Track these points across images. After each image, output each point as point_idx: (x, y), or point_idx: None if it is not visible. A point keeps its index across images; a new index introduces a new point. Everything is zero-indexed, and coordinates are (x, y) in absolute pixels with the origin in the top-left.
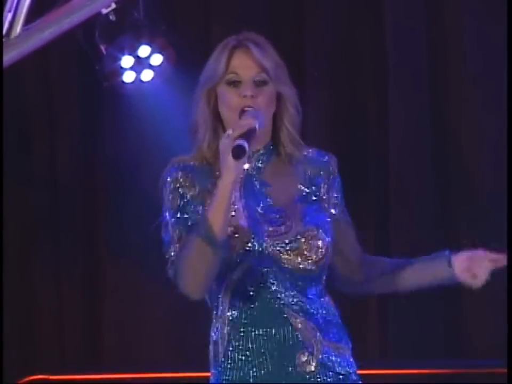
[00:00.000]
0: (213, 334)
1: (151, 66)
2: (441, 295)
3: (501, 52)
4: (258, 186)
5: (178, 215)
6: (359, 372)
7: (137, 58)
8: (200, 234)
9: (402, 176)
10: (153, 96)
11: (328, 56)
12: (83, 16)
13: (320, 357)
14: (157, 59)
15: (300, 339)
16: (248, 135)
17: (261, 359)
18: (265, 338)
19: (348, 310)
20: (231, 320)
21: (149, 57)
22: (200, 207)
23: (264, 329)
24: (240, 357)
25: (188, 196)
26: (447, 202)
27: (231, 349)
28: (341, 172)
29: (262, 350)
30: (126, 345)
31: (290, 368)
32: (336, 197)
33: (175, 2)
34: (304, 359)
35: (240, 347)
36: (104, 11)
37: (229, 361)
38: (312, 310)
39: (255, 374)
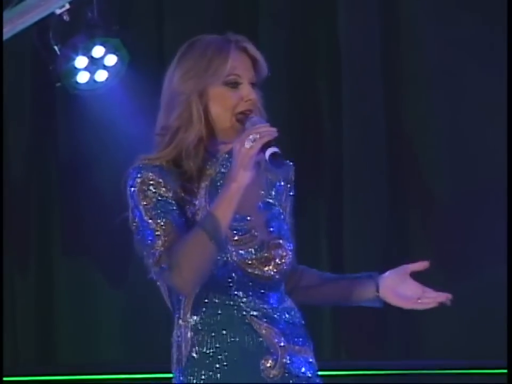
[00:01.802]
0: (176, 337)
1: (105, 67)
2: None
3: (458, 45)
4: None
5: (156, 211)
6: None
7: (91, 58)
8: (207, 231)
9: (356, 181)
10: (107, 96)
11: (283, 56)
12: (37, 16)
13: (284, 361)
14: (111, 59)
15: (264, 345)
16: (270, 144)
17: (224, 364)
18: (228, 344)
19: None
20: (194, 325)
21: (103, 57)
22: (174, 208)
23: (228, 336)
24: (203, 361)
25: (161, 194)
26: (402, 207)
27: (194, 354)
28: (296, 177)
29: (225, 356)
30: (81, 346)
31: (253, 374)
32: (290, 205)
33: (128, 2)
34: (268, 364)
35: (204, 352)
36: (58, 11)
37: (192, 366)
38: (275, 316)
39: (218, 379)
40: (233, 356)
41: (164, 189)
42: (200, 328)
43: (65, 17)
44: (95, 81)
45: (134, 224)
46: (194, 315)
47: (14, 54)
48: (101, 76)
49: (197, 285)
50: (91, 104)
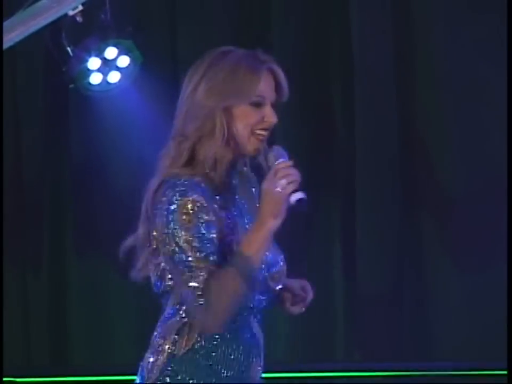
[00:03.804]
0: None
1: (117, 68)
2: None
3: (469, 52)
4: (244, 206)
5: (199, 239)
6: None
7: (104, 60)
8: (242, 273)
9: (370, 183)
10: (120, 98)
11: (295, 60)
12: (50, 17)
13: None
14: (123, 61)
15: (259, 351)
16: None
17: (229, 363)
18: (237, 351)
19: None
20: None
21: (115, 59)
22: (214, 235)
23: (239, 344)
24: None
25: (205, 220)
26: (415, 209)
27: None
28: (309, 175)
29: (232, 357)
30: (94, 347)
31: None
32: None
33: (141, 4)
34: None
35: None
36: (71, 13)
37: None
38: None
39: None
40: (239, 357)
41: (207, 213)
42: (217, 335)
43: (78, 19)
44: (107, 82)
45: (168, 245)
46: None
47: (27, 56)
48: (114, 77)
49: (224, 324)
50: (104, 105)
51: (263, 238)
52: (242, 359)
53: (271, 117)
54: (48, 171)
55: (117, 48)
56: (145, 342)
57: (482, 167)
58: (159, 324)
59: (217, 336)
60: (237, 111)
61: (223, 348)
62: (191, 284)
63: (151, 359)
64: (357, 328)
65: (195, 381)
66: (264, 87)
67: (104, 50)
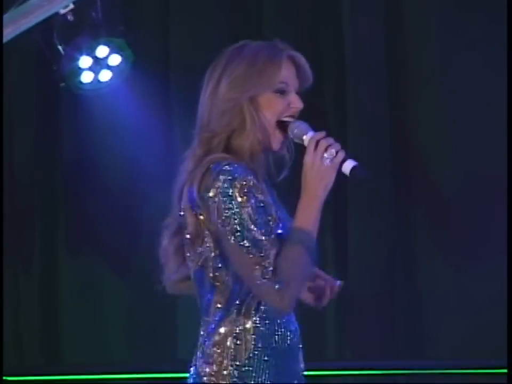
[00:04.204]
0: (236, 331)
1: (109, 67)
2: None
3: (463, 51)
4: (273, 196)
5: (261, 219)
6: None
7: (95, 58)
8: (309, 248)
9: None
10: (111, 96)
11: None
12: (41, 16)
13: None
14: (115, 59)
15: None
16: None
17: (279, 360)
18: (287, 343)
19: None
20: (260, 322)
21: (107, 57)
22: (269, 211)
23: (288, 334)
24: (265, 358)
25: (262, 200)
26: (406, 206)
27: (259, 348)
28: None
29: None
30: (85, 345)
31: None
32: None
33: (133, 2)
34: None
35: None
36: (62, 11)
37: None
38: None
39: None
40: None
41: (262, 193)
42: (267, 325)
43: (69, 17)
44: (99, 81)
45: (229, 227)
46: (259, 313)
47: (18, 54)
48: (105, 75)
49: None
50: (95, 104)
51: (318, 210)
52: (295, 347)
53: (297, 102)
54: (39, 170)
55: (108, 46)
56: (137, 340)
57: (476, 166)
58: (207, 330)
59: (270, 329)
60: (263, 100)
61: (280, 342)
62: (263, 264)
63: (214, 368)
64: (349, 327)
65: (265, 381)
66: (286, 74)
67: (95, 48)
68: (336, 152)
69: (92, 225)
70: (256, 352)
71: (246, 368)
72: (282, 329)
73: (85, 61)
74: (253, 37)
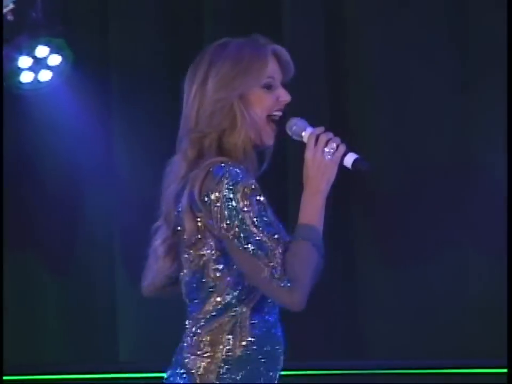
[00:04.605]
0: (231, 327)
1: (49, 67)
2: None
3: (402, 51)
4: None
5: (264, 221)
6: None
7: (35, 58)
8: (316, 244)
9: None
10: (51, 96)
11: None
12: None
13: None
14: (55, 59)
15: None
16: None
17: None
18: (279, 344)
19: None
20: (256, 319)
21: (47, 57)
22: (270, 211)
23: (279, 337)
24: (259, 357)
25: (263, 202)
26: (346, 203)
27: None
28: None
29: (278, 349)
30: (23, 345)
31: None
32: None
33: (72, 2)
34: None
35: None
36: (3, 11)
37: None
38: None
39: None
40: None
41: (262, 195)
42: (263, 322)
43: (9, 17)
44: (38, 81)
45: (232, 232)
46: (261, 312)
47: None
48: (45, 75)
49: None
50: (35, 104)
51: (322, 205)
52: (280, 350)
53: (285, 96)
54: None
55: (48, 46)
56: (76, 341)
57: (415, 162)
58: (199, 324)
59: (265, 330)
60: (252, 97)
61: (272, 342)
62: (270, 264)
63: (203, 364)
64: (288, 327)
65: (254, 379)
66: (272, 68)
67: (35, 48)
68: (337, 146)
69: (31, 225)
70: (248, 352)
71: (237, 364)
72: (277, 330)
73: (24, 61)
74: (192, 36)
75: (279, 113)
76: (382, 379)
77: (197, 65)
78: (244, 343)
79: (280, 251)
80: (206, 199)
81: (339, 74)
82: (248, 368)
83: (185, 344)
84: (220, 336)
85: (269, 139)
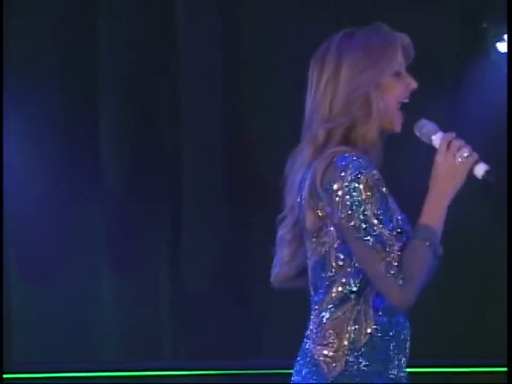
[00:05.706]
0: (355, 316)
1: None
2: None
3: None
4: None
5: (384, 215)
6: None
7: None
8: (433, 247)
9: (197, 186)
10: None
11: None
12: None
13: None
14: None
15: None
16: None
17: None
18: (402, 337)
19: None
20: (379, 306)
21: None
22: (392, 205)
23: (402, 326)
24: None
25: (385, 194)
26: (240, 204)
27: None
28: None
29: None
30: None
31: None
32: None
33: None
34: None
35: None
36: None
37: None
38: None
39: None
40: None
41: (385, 187)
42: (385, 310)
43: None
44: None
45: (353, 223)
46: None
47: None
48: None
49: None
50: None
51: (445, 208)
52: (407, 335)
53: (414, 82)
54: None
55: None
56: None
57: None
58: (322, 313)
59: (387, 317)
60: (385, 85)
61: (397, 328)
62: (387, 259)
63: (330, 353)
64: (183, 327)
65: (379, 367)
66: (400, 55)
67: None
68: (469, 154)
69: None
70: (374, 339)
71: (364, 352)
72: (400, 317)
73: None
74: (92, 32)
75: (407, 100)
76: (278, 379)
77: (324, 56)
78: (369, 330)
79: (398, 247)
80: (328, 188)
81: (234, 76)
82: (375, 355)
83: (310, 333)
84: (345, 324)
85: (398, 126)
